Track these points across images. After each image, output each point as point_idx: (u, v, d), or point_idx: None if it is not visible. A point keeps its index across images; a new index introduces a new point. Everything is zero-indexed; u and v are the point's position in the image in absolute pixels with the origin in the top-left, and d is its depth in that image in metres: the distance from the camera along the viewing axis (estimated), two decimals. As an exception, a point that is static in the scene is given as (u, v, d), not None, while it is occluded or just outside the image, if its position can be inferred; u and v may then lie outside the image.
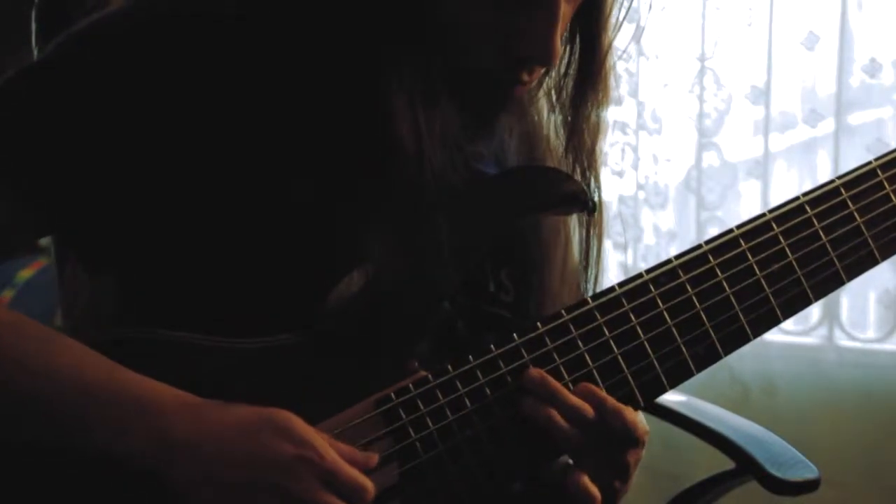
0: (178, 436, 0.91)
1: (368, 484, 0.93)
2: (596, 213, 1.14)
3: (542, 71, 1.09)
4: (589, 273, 1.16)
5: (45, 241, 1.31)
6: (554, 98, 1.14)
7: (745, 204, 2.62)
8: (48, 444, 0.93)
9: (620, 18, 1.09)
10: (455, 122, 1.02)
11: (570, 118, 1.12)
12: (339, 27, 1.01)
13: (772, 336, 2.56)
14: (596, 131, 1.13)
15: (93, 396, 0.92)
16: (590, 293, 1.12)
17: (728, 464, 1.45)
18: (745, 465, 1.40)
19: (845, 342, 2.52)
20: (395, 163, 1.00)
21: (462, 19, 1.00)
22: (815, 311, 2.54)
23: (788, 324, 2.55)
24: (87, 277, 1.14)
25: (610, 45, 1.09)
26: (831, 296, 2.44)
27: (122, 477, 0.91)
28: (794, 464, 1.38)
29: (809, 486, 1.35)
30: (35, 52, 1.37)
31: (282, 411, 0.93)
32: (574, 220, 1.16)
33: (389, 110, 0.99)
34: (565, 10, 1.02)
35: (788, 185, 2.62)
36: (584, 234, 1.15)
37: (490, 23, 1.00)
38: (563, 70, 1.11)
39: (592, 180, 1.13)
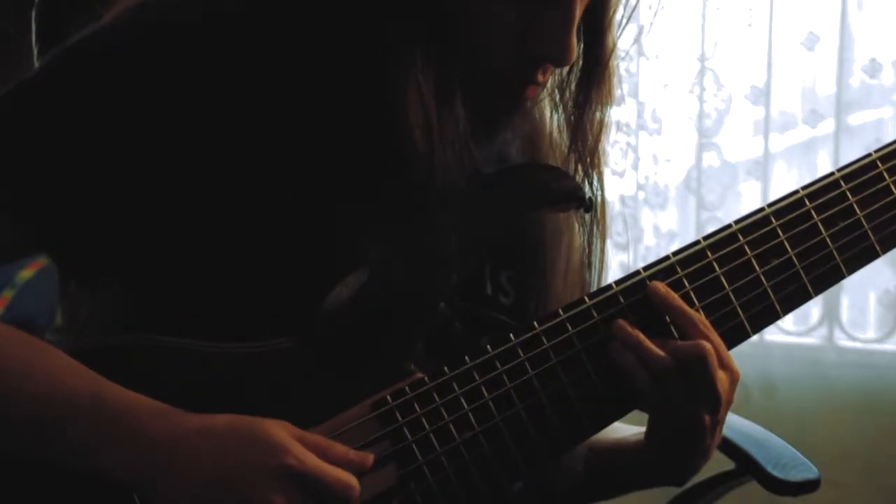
0: (156, 451, 0.91)
1: (352, 480, 0.92)
2: (598, 213, 1.13)
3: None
4: (592, 273, 1.16)
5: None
6: (557, 97, 1.13)
7: (746, 204, 2.62)
8: (28, 457, 0.94)
9: (624, 19, 1.09)
10: (466, 121, 1.01)
11: (573, 117, 1.12)
12: (353, 23, 1.01)
13: (772, 336, 2.56)
14: (599, 130, 1.12)
15: (72, 411, 0.92)
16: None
17: (728, 464, 1.45)
18: (745, 465, 1.40)
19: (845, 342, 2.52)
20: (403, 160, 1.00)
21: (478, 17, 1.00)
22: (815, 311, 2.54)
23: (788, 324, 2.55)
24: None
25: (614, 44, 1.09)
26: (831, 296, 2.48)
27: (103, 491, 0.92)
28: (794, 464, 1.38)
29: (809, 486, 1.34)
30: (35, 52, 1.37)
31: (259, 420, 0.93)
32: (576, 221, 1.16)
33: (401, 107, 0.99)
34: (578, 10, 1.01)
35: (788, 185, 2.61)
36: (586, 233, 1.15)
37: (506, 22, 1.00)
38: (567, 69, 1.11)
39: (595, 179, 1.13)
